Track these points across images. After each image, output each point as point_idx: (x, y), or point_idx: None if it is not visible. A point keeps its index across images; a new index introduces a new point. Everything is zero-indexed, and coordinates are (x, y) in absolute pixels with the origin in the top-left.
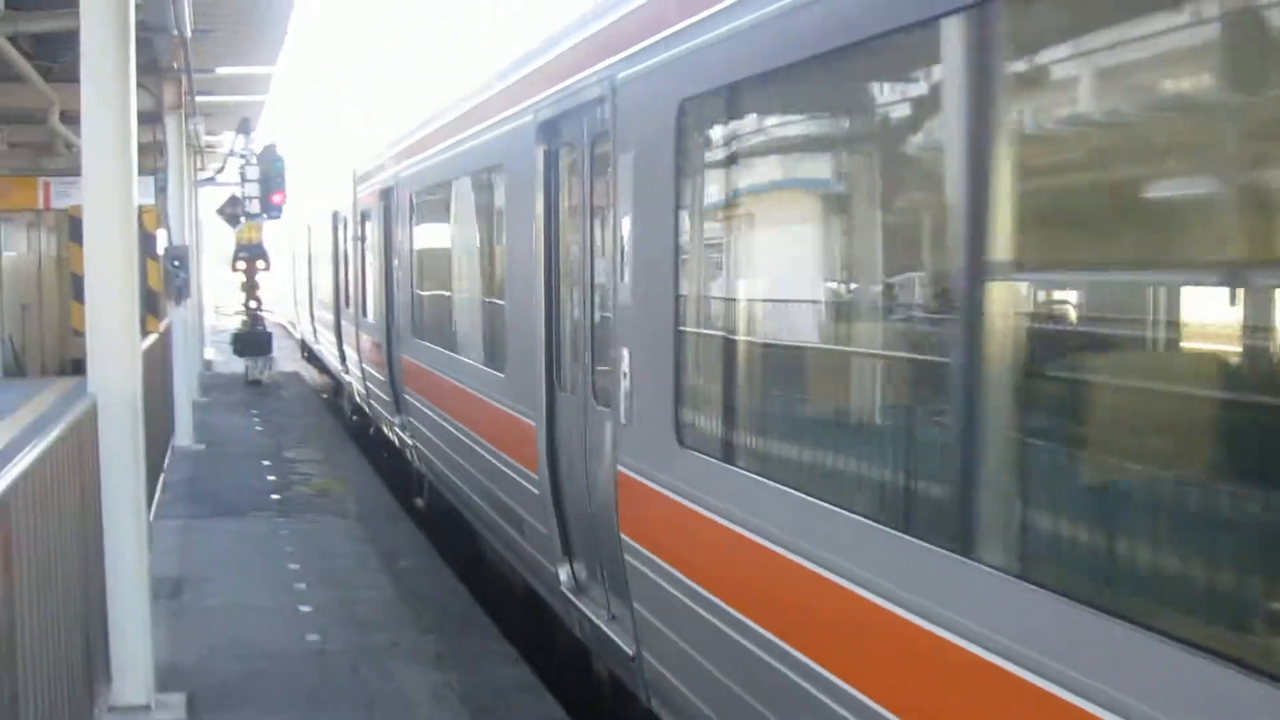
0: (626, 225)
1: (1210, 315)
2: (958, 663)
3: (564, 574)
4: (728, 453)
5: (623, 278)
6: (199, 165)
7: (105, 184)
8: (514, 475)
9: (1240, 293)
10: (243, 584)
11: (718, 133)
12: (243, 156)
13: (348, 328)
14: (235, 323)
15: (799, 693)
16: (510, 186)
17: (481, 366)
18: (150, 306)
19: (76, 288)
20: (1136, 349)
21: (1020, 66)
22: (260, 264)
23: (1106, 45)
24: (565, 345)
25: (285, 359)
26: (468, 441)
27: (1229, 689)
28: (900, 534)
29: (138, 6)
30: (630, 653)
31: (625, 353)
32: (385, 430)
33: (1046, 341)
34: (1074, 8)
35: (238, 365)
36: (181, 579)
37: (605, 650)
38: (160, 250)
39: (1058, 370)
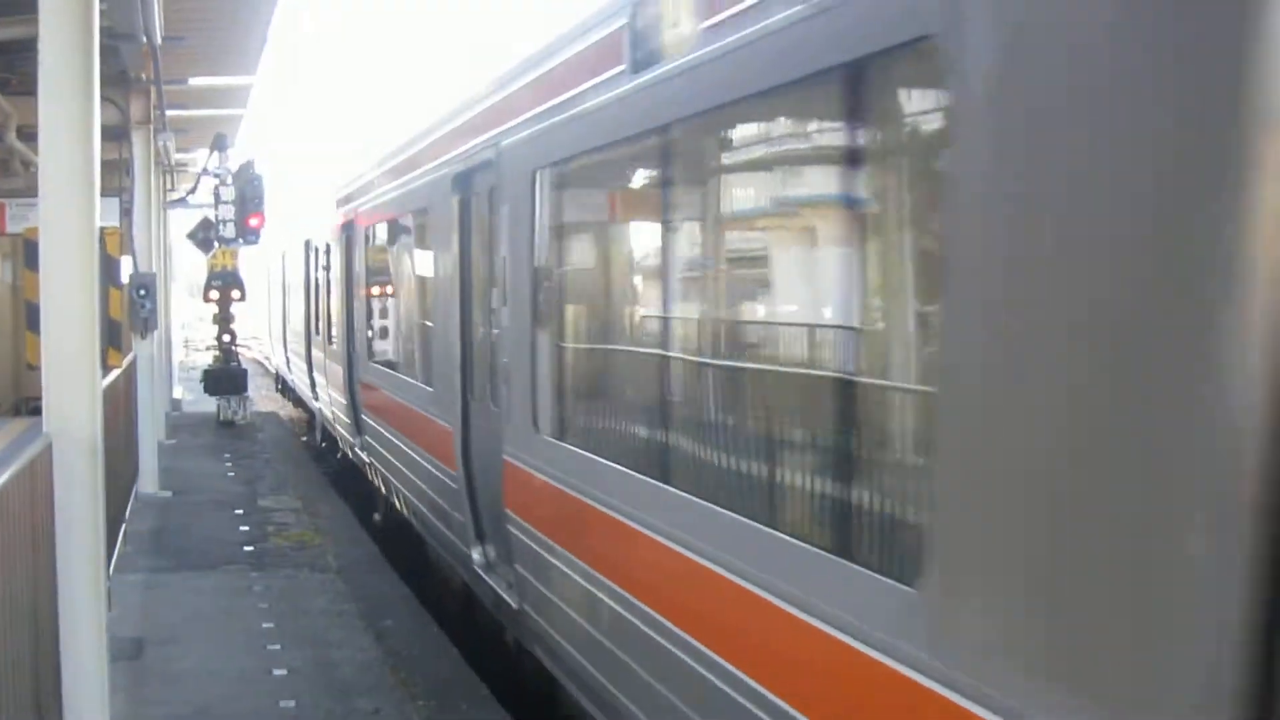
0: (506, 260)
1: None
2: (675, 559)
3: (476, 554)
4: (562, 433)
5: (504, 301)
6: (169, 185)
7: (64, 205)
8: (440, 475)
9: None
10: (211, 645)
11: (553, 194)
12: (217, 176)
13: (317, 355)
14: (207, 358)
15: (619, 617)
16: (435, 227)
17: (416, 383)
18: (112, 339)
19: (32, 317)
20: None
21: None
22: (235, 294)
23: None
24: (474, 360)
25: (262, 398)
26: (408, 450)
27: (799, 556)
28: (653, 480)
29: (103, 12)
30: (516, 607)
31: (504, 361)
32: (349, 452)
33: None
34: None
35: (209, 405)
36: (144, 639)
37: (502, 612)
38: (124, 278)
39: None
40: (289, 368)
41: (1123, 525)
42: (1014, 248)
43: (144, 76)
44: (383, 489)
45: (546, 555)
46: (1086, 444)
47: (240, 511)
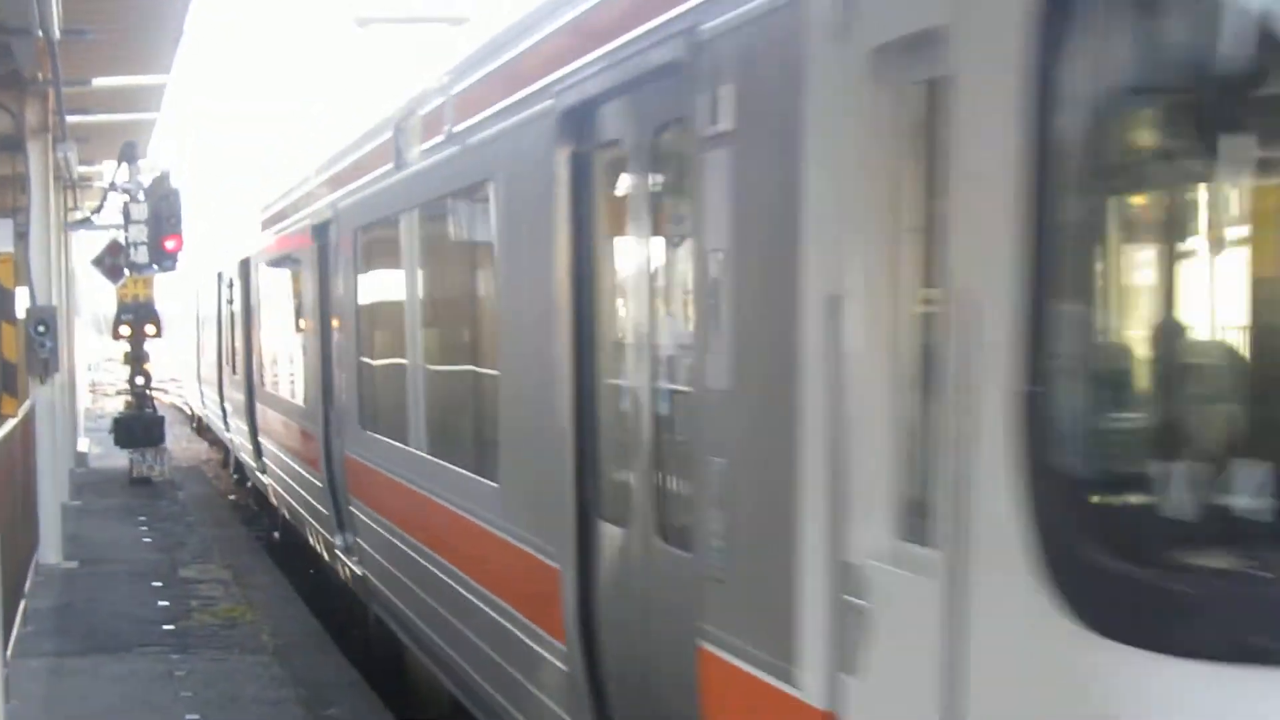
0: (340, 295)
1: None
2: (423, 501)
3: (338, 540)
4: (372, 426)
5: (339, 328)
6: (71, 203)
7: None
8: (311, 477)
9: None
10: None
11: (363, 247)
12: (126, 191)
13: (226, 385)
14: (117, 404)
15: (402, 553)
16: (303, 267)
17: (294, 401)
18: (6, 384)
19: None
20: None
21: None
22: (149, 329)
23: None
24: (333, 375)
25: (182, 450)
26: (290, 461)
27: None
28: (406, 447)
29: None
30: (360, 574)
31: (342, 376)
32: (253, 477)
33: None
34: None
35: (120, 459)
36: None
37: (354, 584)
38: (20, 312)
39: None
40: (226, 424)
41: (559, 450)
42: (515, 305)
43: (41, 77)
44: (280, 509)
45: (368, 521)
46: (542, 412)
47: (158, 583)
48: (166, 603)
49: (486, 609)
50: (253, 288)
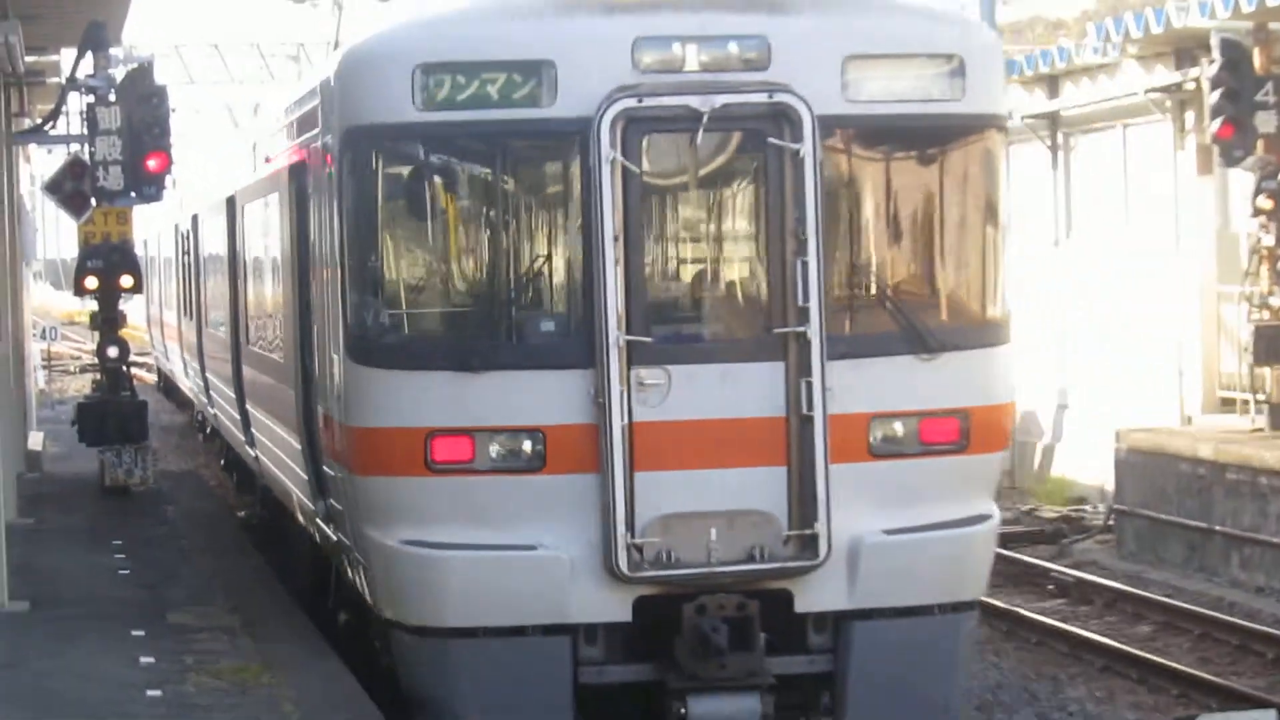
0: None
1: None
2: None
3: (318, 507)
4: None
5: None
6: (16, 107)
7: None
8: (288, 438)
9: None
10: None
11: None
12: (93, 90)
13: (253, 378)
14: (83, 385)
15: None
16: (279, 216)
17: (273, 356)
18: None
19: None
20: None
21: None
22: (125, 281)
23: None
24: (312, 325)
25: (172, 448)
26: (272, 426)
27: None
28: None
29: None
30: (335, 539)
31: (319, 324)
32: (244, 457)
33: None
34: None
35: (88, 460)
36: None
37: (329, 549)
38: None
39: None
40: (184, 369)
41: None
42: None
43: None
44: (271, 489)
45: (333, 475)
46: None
47: (140, 633)
48: (150, 659)
49: None
50: (239, 230)
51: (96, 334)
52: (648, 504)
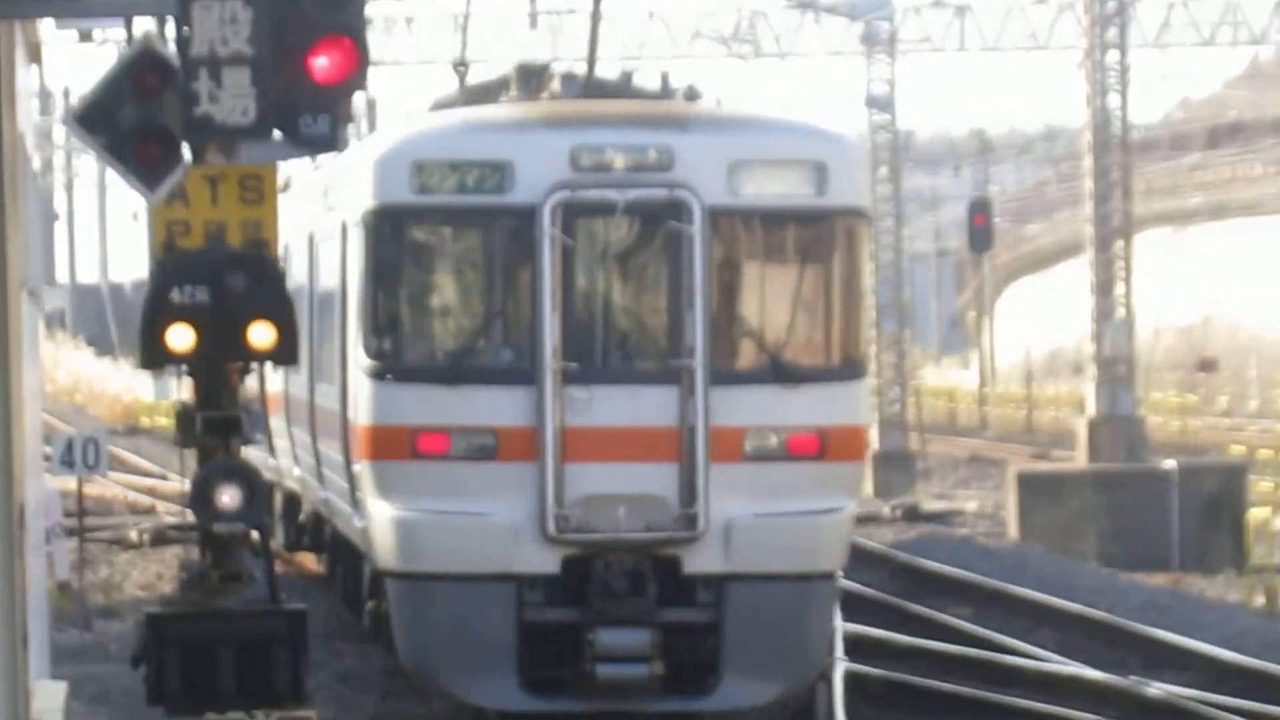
0: None
1: None
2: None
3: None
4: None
5: None
6: None
7: None
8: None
9: None
10: None
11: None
12: None
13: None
14: (158, 571)
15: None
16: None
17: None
18: None
19: None
20: None
21: None
22: (260, 333)
23: None
24: None
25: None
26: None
27: None
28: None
29: None
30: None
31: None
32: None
33: None
34: None
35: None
36: None
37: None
38: None
39: None
40: (295, 457)
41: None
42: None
43: None
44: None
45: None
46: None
47: None
48: None
49: None
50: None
51: (187, 454)
52: (573, 486)
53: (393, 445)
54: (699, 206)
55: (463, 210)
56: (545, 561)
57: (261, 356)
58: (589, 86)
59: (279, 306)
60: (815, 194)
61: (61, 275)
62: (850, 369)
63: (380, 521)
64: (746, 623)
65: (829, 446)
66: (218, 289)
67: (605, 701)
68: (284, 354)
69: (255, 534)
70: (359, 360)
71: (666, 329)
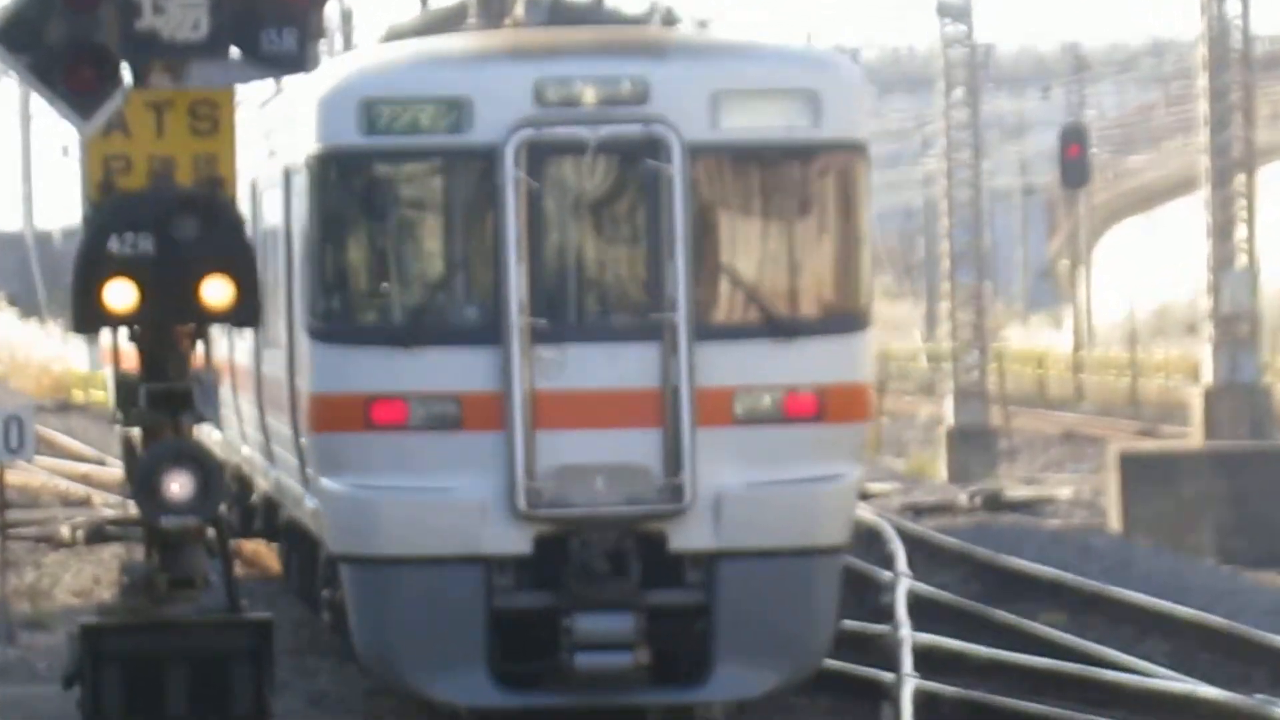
0: None
1: None
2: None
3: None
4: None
5: None
6: None
7: None
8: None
9: None
10: None
11: None
12: None
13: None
14: (95, 576)
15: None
16: None
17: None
18: None
19: None
20: None
21: None
22: (215, 289)
23: None
24: None
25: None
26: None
27: None
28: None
29: None
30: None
31: None
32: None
33: None
34: None
35: None
36: None
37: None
38: None
39: None
40: (243, 431)
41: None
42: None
43: None
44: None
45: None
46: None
47: None
48: None
49: None
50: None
51: (128, 434)
52: (546, 456)
53: (344, 415)
54: (678, 143)
55: (417, 152)
56: (516, 541)
57: (217, 317)
58: (556, 12)
59: (237, 257)
60: (808, 126)
61: None
62: (850, 320)
63: (332, 500)
64: (741, 604)
65: (828, 406)
66: (164, 237)
67: (586, 695)
68: (244, 314)
69: (210, 529)
70: (305, 321)
71: (645, 280)
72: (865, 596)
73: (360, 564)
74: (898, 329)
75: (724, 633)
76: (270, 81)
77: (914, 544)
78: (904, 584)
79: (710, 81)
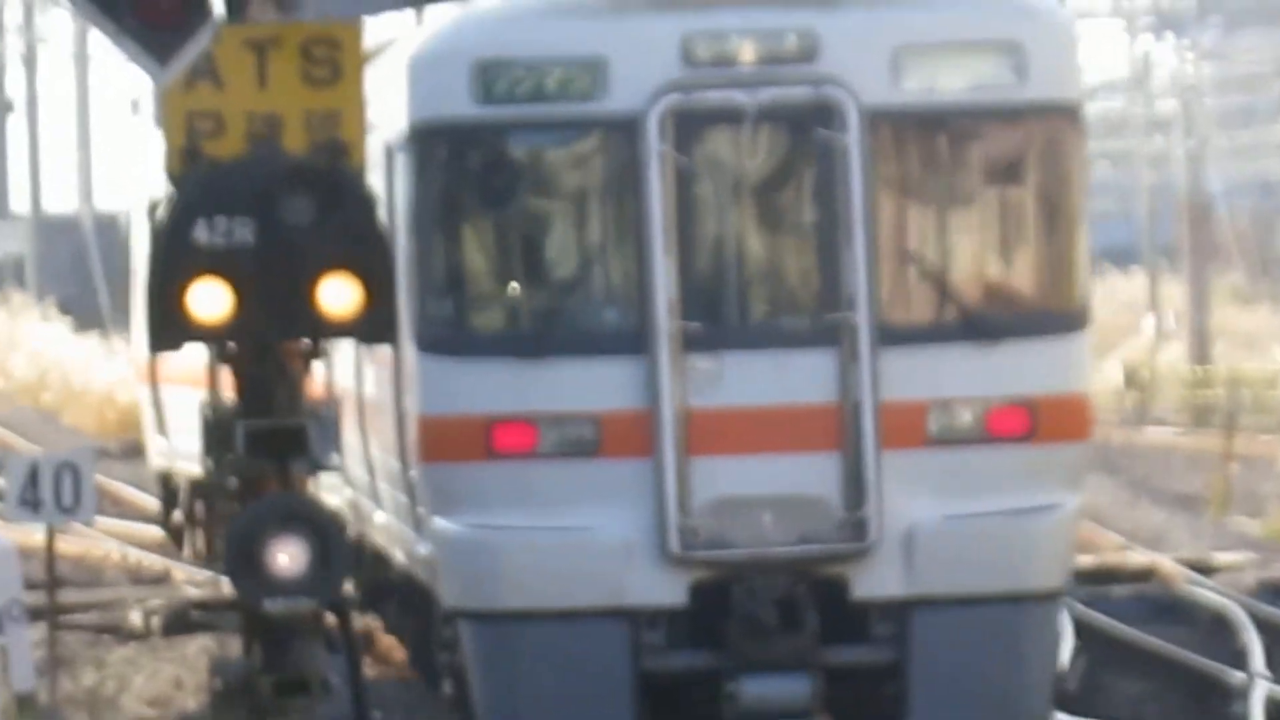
0: None
1: None
2: None
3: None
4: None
5: None
6: None
7: None
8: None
9: None
10: None
11: None
12: None
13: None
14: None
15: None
16: None
17: None
18: None
19: None
20: None
21: None
22: (341, 290)
23: None
24: None
25: None
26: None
27: None
28: None
29: None
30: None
31: None
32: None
33: None
34: None
35: None
36: None
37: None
38: None
39: None
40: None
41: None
42: None
43: None
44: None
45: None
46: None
47: None
48: None
49: None
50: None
51: (166, 471)
52: (702, 488)
53: (460, 442)
54: (854, 107)
55: (542, 124)
56: (668, 590)
57: (339, 330)
58: None
59: (367, 250)
60: (1011, 85)
61: (18, 203)
62: (1065, 319)
63: (447, 544)
64: (939, 663)
65: (1040, 423)
66: (269, 222)
67: None
68: (375, 325)
69: (331, 615)
70: (412, 330)
71: (818, 274)
72: (1209, 702)
73: (482, 620)
74: (1252, 345)
75: (919, 696)
76: (409, 15)
77: (1276, 635)
78: (1261, 688)
79: (891, 34)
